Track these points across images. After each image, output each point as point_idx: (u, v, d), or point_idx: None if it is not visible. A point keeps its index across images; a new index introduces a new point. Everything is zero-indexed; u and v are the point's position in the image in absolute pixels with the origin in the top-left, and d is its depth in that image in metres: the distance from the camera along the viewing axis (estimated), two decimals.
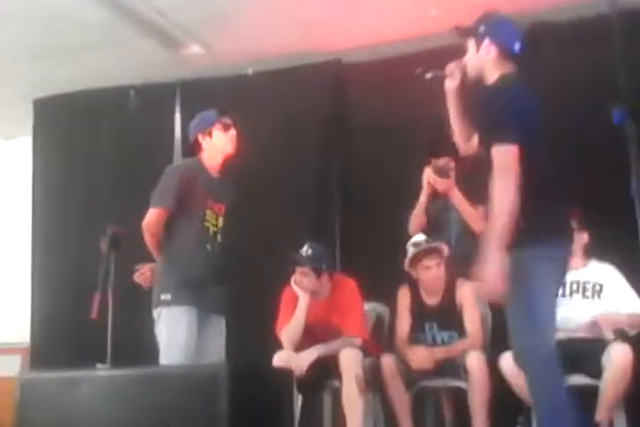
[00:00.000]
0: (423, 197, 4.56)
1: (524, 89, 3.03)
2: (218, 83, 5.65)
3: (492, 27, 3.11)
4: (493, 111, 2.92)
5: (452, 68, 3.20)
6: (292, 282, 4.37)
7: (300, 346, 4.25)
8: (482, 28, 3.11)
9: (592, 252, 4.19)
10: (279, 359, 4.11)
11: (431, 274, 4.25)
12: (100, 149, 6.04)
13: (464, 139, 3.26)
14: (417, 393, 4.09)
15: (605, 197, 4.22)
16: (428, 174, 4.53)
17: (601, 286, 4.06)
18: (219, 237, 3.82)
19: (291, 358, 4.10)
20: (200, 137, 3.89)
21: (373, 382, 4.07)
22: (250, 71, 5.69)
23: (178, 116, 5.82)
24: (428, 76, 3.22)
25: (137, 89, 5.82)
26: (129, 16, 4.96)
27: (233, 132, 3.89)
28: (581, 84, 4.64)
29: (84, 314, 3.61)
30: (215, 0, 4.79)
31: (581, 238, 4.15)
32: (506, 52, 3.09)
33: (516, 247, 2.84)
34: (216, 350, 3.74)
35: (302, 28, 5.14)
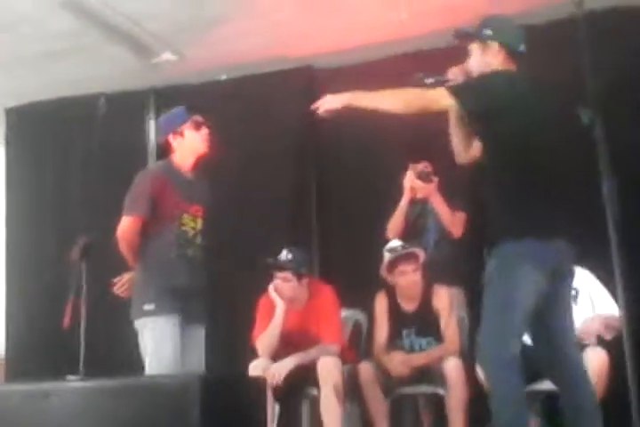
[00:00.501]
0: (404, 202, 4.55)
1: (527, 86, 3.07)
2: (191, 89, 5.62)
3: (499, 29, 3.13)
4: None
5: (455, 72, 3.20)
6: (271, 289, 4.33)
7: (276, 354, 4.23)
8: (488, 31, 3.12)
9: None
10: (255, 368, 4.08)
11: (408, 280, 4.24)
12: (73, 157, 6.00)
13: (464, 147, 3.26)
14: (395, 400, 4.09)
15: (576, 200, 4.23)
16: (410, 179, 4.51)
17: (577, 291, 4.05)
18: (199, 239, 3.72)
19: (267, 367, 4.07)
20: (171, 137, 3.76)
21: (351, 389, 4.06)
22: (222, 77, 5.68)
23: (152, 123, 5.80)
24: (429, 81, 3.17)
25: (108, 96, 5.78)
26: (100, 23, 4.92)
27: (205, 130, 3.76)
28: (551, 87, 4.64)
29: (58, 324, 3.56)
30: (186, 7, 4.77)
31: None
32: (512, 54, 3.12)
33: (499, 247, 2.87)
34: (195, 360, 3.65)
35: (274, 35, 5.12)
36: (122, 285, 3.71)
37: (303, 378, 4.07)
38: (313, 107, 3.16)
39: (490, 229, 3.03)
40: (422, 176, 4.46)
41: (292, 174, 5.49)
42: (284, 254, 4.32)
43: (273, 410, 4.01)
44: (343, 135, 5.28)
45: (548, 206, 2.99)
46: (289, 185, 5.47)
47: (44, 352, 5.47)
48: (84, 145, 5.96)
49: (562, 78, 4.38)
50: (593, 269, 4.07)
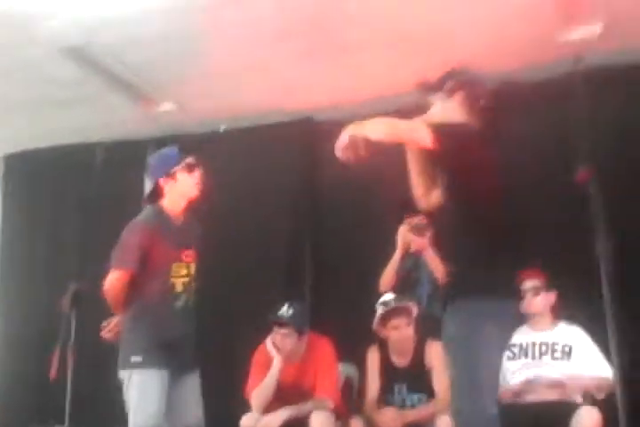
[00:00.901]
0: (397, 256, 4.53)
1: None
2: (191, 139, 5.63)
3: (462, 81, 3.13)
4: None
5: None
6: (269, 342, 4.26)
7: (269, 408, 4.14)
8: (451, 83, 3.13)
9: (559, 313, 4.17)
10: (246, 422, 4.02)
11: (400, 334, 4.20)
12: (68, 205, 6.01)
13: (424, 193, 3.25)
14: None
15: (571, 257, 4.22)
16: (404, 233, 4.50)
17: (570, 347, 4.03)
18: (192, 287, 3.60)
19: (259, 421, 4.00)
20: (162, 181, 3.61)
21: None
22: (222, 128, 5.71)
23: None
24: None
25: (107, 146, 5.81)
26: (101, 72, 4.96)
27: (198, 172, 3.62)
28: (547, 143, 4.69)
29: (45, 374, 3.50)
30: (187, 58, 4.81)
31: (549, 298, 4.15)
32: (474, 107, 3.11)
33: (459, 304, 2.84)
34: (193, 408, 3.52)
35: (274, 87, 5.18)
36: (109, 330, 3.62)
37: None
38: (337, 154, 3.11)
39: (454, 282, 2.99)
40: (416, 229, 4.46)
41: (288, 227, 5.50)
42: (285, 310, 4.27)
43: None
44: (340, 188, 5.30)
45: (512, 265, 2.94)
46: (284, 238, 5.47)
47: (31, 401, 5.37)
48: (80, 193, 5.96)
49: (559, 134, 4.43)
50: (584, 326, 4.05)
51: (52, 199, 6.09)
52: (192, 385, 3.56)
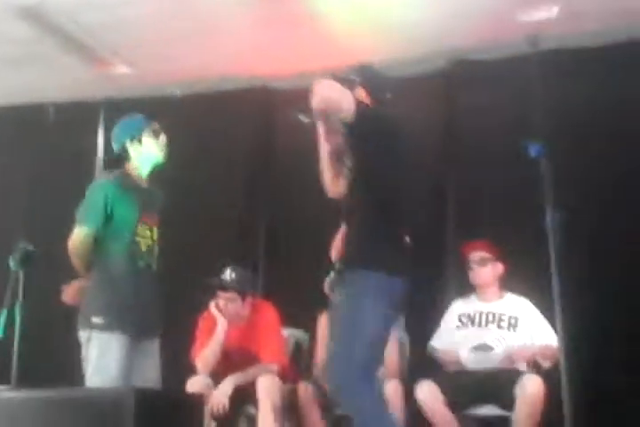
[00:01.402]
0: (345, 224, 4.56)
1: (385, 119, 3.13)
2: (144, 103, 5.54)
3: (364, 75, 3.24)
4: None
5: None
6: (212, 306, 4.28)
7: (216, 372, 4.18)
8: (352, 77, 3.21)
9: (508, 284, 4.27)
10: (193, 385, 4.03)
11: None
12: (18, 165, 5.90)
13: (332, 181, 3.32)
14: (333, 421, 4.06)
15: (520, 229, 4.32)
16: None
17: (516, 319, 4.13)
18: (155, 250, 3.62)
19: (206, 384, 4.02)
20: (128, 144, 3.61)
21: (290, 409, 4.02)
22: (177, 92, 5.67)
23: (101, 135, 5.75)
24: (305, 120, 3.21)
25: (58, 106, 5.72)
26: (54, 32, 4.88)
27: (163, 138, 3.66)
28: (501, 120, 4.77)
29: None
30: (143, 21, 4.75)
31: (497, 270, 4.24)
32: (378, 101, 3.21)
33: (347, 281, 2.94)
34: (151, 374, 3.51)
35: (230, 53, 5.15)
36: (69, 292, 3.58)
37: (241, 396, 4.02)
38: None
39: (346, 255, 3.09)
40: None
41: (242, 192, 5.50)
42: (228, 274, 4.29)
43: None
44: (294, 156, 5.30)
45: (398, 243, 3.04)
46: (237, 204, 5.47)
47: None
48: (31, 153, 5.87)
49: (512, 112, 4.51)
50: (532, 298, 4.16)
51: (2, 158, 5.98)
52: (151, 350, 3.55)
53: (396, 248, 3.02)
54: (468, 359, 4.04)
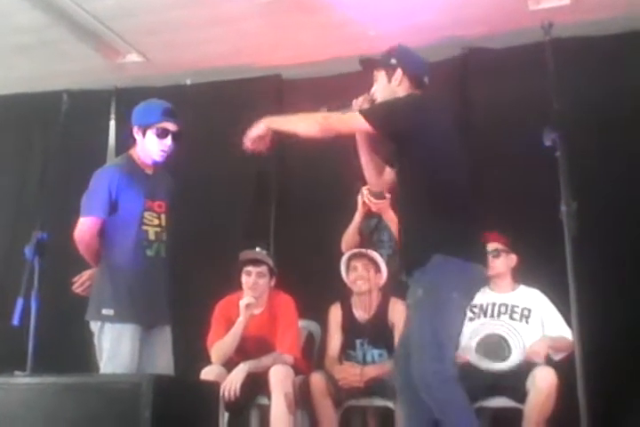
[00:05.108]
0: (358, 217, 4.56)
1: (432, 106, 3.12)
2: (154, 92, 5.49)
3: (404, 59, 3.22)
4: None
5: (360, 101, 3.27)
6: (242, 305, 4.17)
7: (229, 360, 4.18)
8: (393, 60, 3.21)
9: (521, 276, 4.26)
10: (207, 374, 4.03)
11: (357, 274, 4.27)
12: (32, 152, 5.93)
13: (376, 173, 3.33)
14: (345, 412, 4.08)
15: (535, 221, 4.31)
16: (365, 195, 4.54)
17: (529, 310, 4.11)
18: (164, 237, 3.54)
19: (220, 374, 4.02)
20: (135, 130, 3.52)
21: (302, 399, 4.03)
22: (188, 82, 5.65)
23: (112, 124, 5.76)
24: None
25: (70, 94, 5.68)
26: (66, 20, 4.88)
27: (168, 141, 3.49)
28: (515, 109, 4.75)
29: (7, 321, 3.47)
30: (155, 10, 4.74)
31: (510, 261, 4.23)
32: (416, 84, 3.22)
33: (427, 268, 2.91)
34: (161, 362, 3.50)
35: (241, 43, 5.14)
36: (82, 283, 3.58)
37: (254, 386, 4.03)
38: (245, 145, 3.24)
39: (413, 248, 3.07)
40: (375, 193, 4.49)
41: (253, 182, 5.49)
42: (259, 250, 4.32)
43: (222, 418, 3.92)
44: (305, 148, 5.29)
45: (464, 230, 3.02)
46: (249, 193, 5.47)
47: None
48: (43, 141, 5.88)
49: (527, 101, 4.49)
50: (545, 290, 4.14)
51: (15, 147, 6.01)
52: (163, 338, 3.54)
53: (464, 234, 2.99)
54: (479, 350, 4.04)
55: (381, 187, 3.37)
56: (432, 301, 2.90)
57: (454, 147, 3.14)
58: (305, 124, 3.11)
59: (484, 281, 3.06)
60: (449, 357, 2.90)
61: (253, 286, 4.24)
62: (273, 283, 4.34)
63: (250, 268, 4.26)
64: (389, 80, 3.20)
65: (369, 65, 3.30)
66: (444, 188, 3.02)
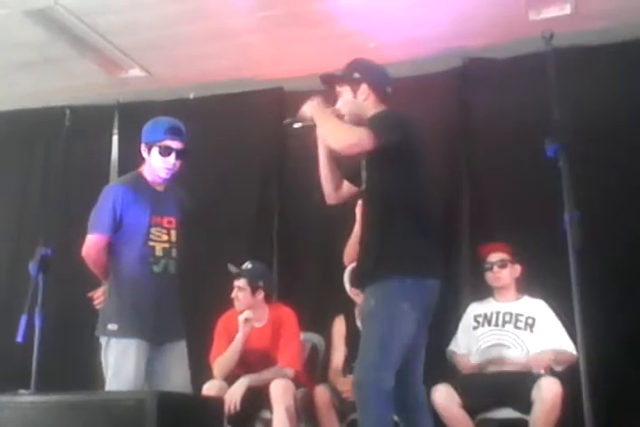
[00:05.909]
0: (357, 228, 4.54)
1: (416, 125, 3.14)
2: (157, 106, 5.55)
3: (367, 73, 3.23)
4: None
5: None
6: (241, 319, 4.22)
7: (231, 374, 4.18)
8: (356, 75, 3.21)
9: (525, 286, 4.25)
10: (209, 389, 4.03)
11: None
12: (35, 169, 5.95)
13: (333, 186, 3.33)
14: (349, 425, 4.05)
15: (538, 231, 4.30)
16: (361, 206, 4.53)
17: (533, 319, 4.10)
18: (173, 253, 3.53)
19: (222, 388, 4.02)
20: (142, 148, 3.53)
21: (305, 413, 4.02)
22: (191, 96, 5.67)
23: (115, 139, 5.76)
24: (297, 125, 3.22)
25: (73, 109, 5.70)
26: (69, 36, 4.89)
27: (172, 159, 3.47)
28: (516, 119, 4.75)
29: (11, 338, 3.47)
30: (156, 25, 4.75)
31: (515, 271, 4.22)
32: (382, 96, 3.22)
33: (382, 283, 2.93)
34: (179, 378, 3.47)
35: (243, 57, 5.16)
36: (97, 297, 3.58)
37: (256, 400, 4.03)
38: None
39: (374, 265, 3.06)
40: None
41: (256, 195, 5.48)
42: (245, 265, 4.34)
43: None
44: (307, 160, 5.29)
45: (427, 247, 3.04)
46: (252, 208, 5.45)
47: None
48: (46, 157, 5.90)
49: (528, 111, 4.49)
50: (548, 300, 4.13)
51: (18, 163, 6.02)
52: (177, 354, 3.51)
53: (430, 250, 3.02)
54: (484, 362, 4.03)
55: (337, 200, 3.36)
56: (383, 310, 2.92)
57: (425, 168, 3.15)
58: (334, 137, 3.06)
59: (437, 296, 3.05)
60: (390, 366, 2.88)
61: (235, 300, 4.30)
62: (260, 296, 4.32)
63: (234, 282, 4.31)
64: (355, 95, 3.20)
65: (331, 81, 3.29)
66: (410, 206, 3.04)
